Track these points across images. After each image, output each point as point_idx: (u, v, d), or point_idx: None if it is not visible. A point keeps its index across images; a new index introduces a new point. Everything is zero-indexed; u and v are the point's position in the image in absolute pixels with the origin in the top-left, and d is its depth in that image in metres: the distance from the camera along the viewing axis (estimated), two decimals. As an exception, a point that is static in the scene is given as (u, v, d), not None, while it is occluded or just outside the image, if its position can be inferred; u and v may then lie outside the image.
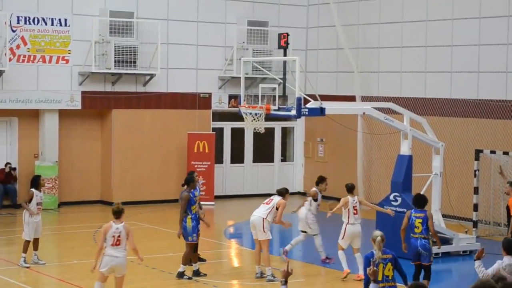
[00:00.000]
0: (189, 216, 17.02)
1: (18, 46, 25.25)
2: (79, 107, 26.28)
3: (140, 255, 14.06)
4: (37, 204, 18.09)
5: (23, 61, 25.35)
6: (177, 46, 27.62)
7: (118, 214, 13.88)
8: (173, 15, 27.58)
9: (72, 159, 26.73)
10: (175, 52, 27.55)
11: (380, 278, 12.20)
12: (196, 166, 27.03)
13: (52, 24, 25.72)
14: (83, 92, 26.22)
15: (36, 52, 25.56)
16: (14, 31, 25.14)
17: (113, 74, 26.34)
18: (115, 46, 25.78)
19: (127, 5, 26.64)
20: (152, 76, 26.91)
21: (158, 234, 21.84)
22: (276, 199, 17.32)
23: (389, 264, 12.35)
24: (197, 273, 17.15)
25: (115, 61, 25.82)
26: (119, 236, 13.79)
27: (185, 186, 17.34)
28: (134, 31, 26.36)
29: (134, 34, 26.36)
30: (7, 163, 25.78)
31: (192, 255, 17.28)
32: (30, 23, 25.40)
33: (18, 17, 25.21)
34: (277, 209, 17.13)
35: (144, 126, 27.27)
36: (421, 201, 15.91)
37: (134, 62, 26.17)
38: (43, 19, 25.59)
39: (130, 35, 26.27)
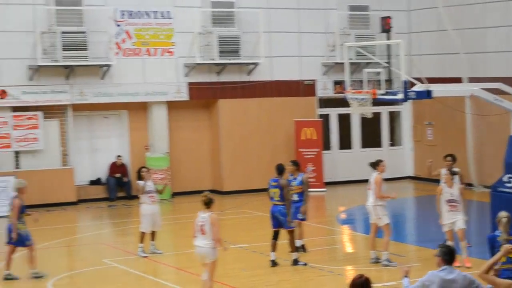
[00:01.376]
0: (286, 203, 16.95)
1: (123, 40, 25.89)
2: (186, 98, 26.76)
3: (223, 244, 14.24)
4: (148, 193, 18.32)
5: (129, 54, 26.01)
6: (279, 34, 27.78)
7: (206, 204, 14.08)
8: (273, 3, 27.79)
9: (182, 149, 27.15)
10: (277, 40, 27.73)
11: (504, 260, 11.90)
12: (304, 153, 27.13)
13: (155, 17, 26.31)
14: (189, 83, 26.69)
15: (141, 45, 26.18)
16: (118, 26, 25.78)
17: (217, 64, 26.71)
18: (218, 37, 26.16)
19: None
20: (255, 65, 27.21)
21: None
22: (372, 177, 17.11)
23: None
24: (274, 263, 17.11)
25: (218, 52, 26.19)
26: (203, 225, 13.98)
27: (278, 176, 17.08)
28: (235, 20, 26.69)
29: (236, 24, 26.72)
30: (119, 156, 26.42)
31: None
32: (133, 17, 26.05)
33: (122, 12, 25.84)
34: None
35: (251, 114, 27.54)
36: None
37: (237, 51, 26.48)
38: (146, 13, 26.22)
39: (231, 25, 26.64)
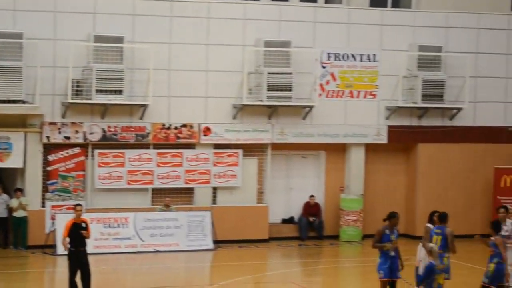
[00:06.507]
0: (379, 252, 16.73)
1: (327, 82, 26.18)
2: (385, 141, 26.80)
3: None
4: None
5: (331, 96, 26.28)
6: (485, 79, 27.55)
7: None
8: (482, 48, 27.56)
9: (376, 192, 27.11)
10: (483, 85, 27.50)
11: (435, 286, 14.89)
12: (502, 201, 25.86)
13: (361, 60, 26.59)
14: (389, 126, 26.78)
15: (345, 87, 26.39)
16: (324, 68, 26.17)
17: (419, 108, 26.74)
18: (422, 80, 26.23)
19: (436, 39, 26.88)
20: (459, 110, 27.05)
21: (462, 270, 20.64)
22: None
23: (443, 274, 15.05)
24: None
25: (422, 95, 26.27)
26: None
27: (386, 221, 16.87)
28: (442, 65, 26.65)
29: (442, 68, 26.66)
30: (311, 196, 26.62)
31: None
32: (339, 59, 26.41)
33: (328, 54, 26.26)
34: None
35: (450, 160, 27.32)
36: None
37: (441, 96, 26.48)
38: (353, 55, 26.53)
39: (437, 69, 26.58)
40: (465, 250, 18.09)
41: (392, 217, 16.74)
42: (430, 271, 14.82)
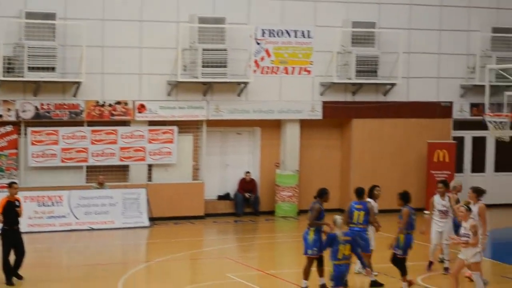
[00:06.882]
0: (313, 229, 16.84)
1: (262, 58, 26.34)
2: (320, 117, 27.05)
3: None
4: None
5: (266, 72, 26.48)
6: (419, 55, 27.95)
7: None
8: (415, 24, 27.93)
9: (312, 168, 27.41)
10: (416, 61, 27.94)
11: (340, 257, 14.71)
12: (435, 175, 26.92)
13: (296, 36, 26.69)
14: (324, 102, 26.99)
15: (280, 63, 26.59)
16: (258, 44, 26.30)
17: (353, 84, 26.99)
18: (356, 56, 26.47)
19: (369, 15, 27.18)
20: (392, 85, 27.42)
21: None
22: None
23: (348, 245, 14.84)
24: None
25: (356, 71, 26.53)
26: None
27: (317, 198, 17.05)
28: (375, 41, 27.00)
29: (376, 44, 27.02)
30: (247, 172, 26.84)
31: (309, 270, 17.04)
32: (274, 36, 26.51)
33: (263, 30, 26.36)
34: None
35: (384, 135, 27.73)
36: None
37: (375, 71, 26.76)
38: (287, 32, 26.62)
39: (371, 45, 26.92)
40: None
41: (324, 193, 17.01)
42: (332, 240, 14.78)
